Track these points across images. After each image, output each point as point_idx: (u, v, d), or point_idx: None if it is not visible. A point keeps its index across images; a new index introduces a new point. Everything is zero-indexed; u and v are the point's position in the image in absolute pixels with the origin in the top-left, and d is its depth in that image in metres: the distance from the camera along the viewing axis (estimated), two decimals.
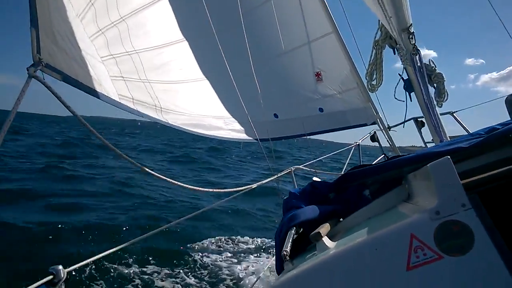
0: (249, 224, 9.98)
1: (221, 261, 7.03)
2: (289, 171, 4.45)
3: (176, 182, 2.84)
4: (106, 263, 6.21)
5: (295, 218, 2.03)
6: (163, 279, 6.24)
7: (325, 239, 1.70)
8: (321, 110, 6.39)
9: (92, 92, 2.59)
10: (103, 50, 3.41)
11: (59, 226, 7.99)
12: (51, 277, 1.68)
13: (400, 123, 5.93)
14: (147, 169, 2.63)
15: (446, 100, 4.36)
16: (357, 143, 6.63)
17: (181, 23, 4.74)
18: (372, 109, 6.28)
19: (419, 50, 3.79)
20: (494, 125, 2.17)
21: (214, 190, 3.74)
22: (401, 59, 4.00)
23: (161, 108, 3.96)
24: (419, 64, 3.86)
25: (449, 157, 1.36)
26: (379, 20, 4.25)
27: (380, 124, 6.23)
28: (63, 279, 1.69)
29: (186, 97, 4.69)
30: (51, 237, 7.37)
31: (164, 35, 4.53)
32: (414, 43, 3.78)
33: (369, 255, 1.37)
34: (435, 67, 4.20)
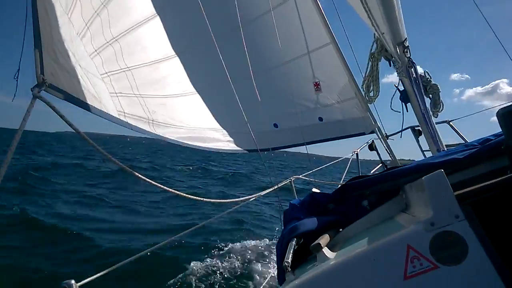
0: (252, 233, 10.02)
1: (222, 271, 7.04)
2: (289, 181, 4.50)
3: (173, 191, 2.87)
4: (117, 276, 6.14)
5: (296, 229, 2.09)
6: None
7: (325, 250, 1.76)
8: (320, 119, 6.46)
9: (93, 109, 2.63)
10: (101, 68, 3.47)
11: None
12: None
13: (398, 132, 6.00)
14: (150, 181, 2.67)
15: (442, 110, 4.44)
16: (356, 152, 6.69)
17: (177, 38, 4.78)
18: (370, 118, 6.37)
19: (414, 63, 3.87)
20: (487, 136, 2.25)
21: (215, 200, 3.77)
22: (396, 71, 4.08)
23: (159, 123, 4.00)
24: (414, 75, 3.94)
25: (442, 170, 1.42)
26: (374, 33, 4.34)
27: (378, 133, 6.31)
28: None
29: (184, 111, 4.73)
30: None
31: (160, 50, 4.57)
32: (409, 56, 3.86)
33: (367, 266, 1.43)
34: (431, 78, 4.28)
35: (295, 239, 2.05)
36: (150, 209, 12.75)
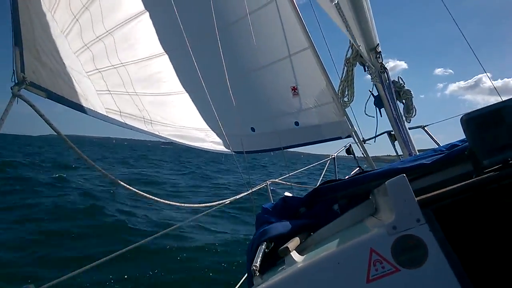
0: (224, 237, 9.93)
1: (194, 277, 6.96)
2: (265, 185, 4.52)
3: (147, 195, 2.84)
4: (77, 283, 5.98)
5: (266, 233, 2.09)
6: None
7: (293, 253, 1.77)
8: (296, 124, 6.50)
9: (78, 107, 2.60)
10: (88, 65, 3.44)
11: None
12: None
13: (374, 137, 6.08)
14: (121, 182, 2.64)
15: (414, 115, 4.53)
16: (333, 156, 6.75)
17: (164, 36, 4.78)
18: (347, 122, 6.44)
19: (386, 69, 3.95)
20: (455, 142, 2.31)
21: (188, 205, 3.71)
22: (370, 76, 4.15)
23: (150, 120, 4.00)
24: (387, 81, 4.02)
25: (404, 175, 1.45)
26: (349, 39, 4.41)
27: (355, 138, 6.38)
28: None
29: (171, 110, 4.74)
30: None
31: (148, 48, 4.58)
32: (381, 62, 3.94)
33: (332, 269, 1.45)
34: (404, 84, 4.37)
35: (265, 243, 2.05)
36: None
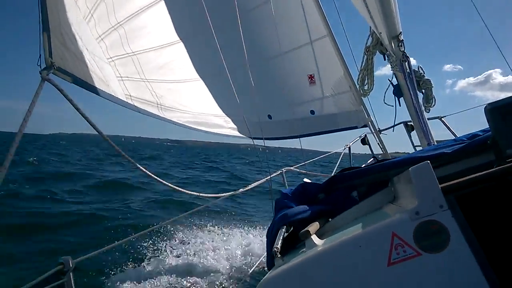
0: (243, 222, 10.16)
1: (214, 258, 7.14)
2: (281, 172, 4.55)
3: (173, 186, 2.93)
4: (112, 256, 6.73)
5: (286, 217, 2.13)
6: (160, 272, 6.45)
7: (314, 237, 1.80)
8: (312, 112, 6.48)
9: (101, 93, 2.64)
10: (108, 52, 3.47)
11: None
12: (61, 266, 1.82)
13: (391, 127, 6.04)
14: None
15: (433, 105, 4.49)
16: (348, 146, 6.73)
17: (180, 24, 4.79)
18: (364, 112, 6.40)
19: (408, 57, 3.90)
20: (476, 132, 2.30)
21: (211, 195, 3.79)
22: (391, 65, 4.11)
23: (168, 107, 4.04)
24: (408, 70, 3.98)
25: (428, 161, 1.46)
26: (370, 27, 4.36)
27: (371, 127, 6.35)
28: (72, 269, 1.82)
29: (188, 96, 4.77)
30: None
31: (164, 35, 4.59)
32: (404, 50, 3.89)
33: (353, 252, 1.48)
34: (424, 73, 4.32)
35: (285, 226, 2.09)
36: None
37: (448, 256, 1.36)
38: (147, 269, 6.57)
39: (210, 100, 5.22)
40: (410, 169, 1.51)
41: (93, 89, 2.52)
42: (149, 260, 6.94)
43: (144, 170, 2.68)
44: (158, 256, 7.15)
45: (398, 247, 1.41)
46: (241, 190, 3.67)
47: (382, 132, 6.36)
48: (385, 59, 4.38)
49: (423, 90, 4.36)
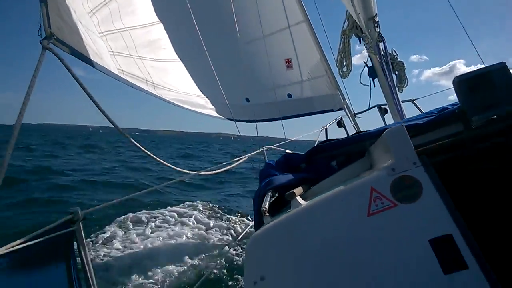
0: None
1: (207, 228, 7.54)
2: (261, 151, 4.68)
3: (161, 161, 3.03)
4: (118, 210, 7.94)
5: (271, 182, 2.26)
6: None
7: (298, 198, 1.94)
8: (289, 96, 6.63)
9: (96, 65, 2.68)
10: (99, 27, 3.49)
11: None
12: (71, 216, 1.93)
13: (365, 110, 6.24)
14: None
15: (406, 86, 4.70)
16: (325, 128, 6.91)
17: (166, 3, 4.82)
18: (339, 95, 6.59)
19: (383, 38, 4.07)
20: (445, 106, 2.48)
21: (199, 172, 3.86)
22: (366, 48, 4.27)
23: (153, 83, 4.08)
24: (383, 51, 4.14)
25: (403, 124, 1.62)
26: (346, 11, 4.51)
27: (346, 111, 6.55)
28: (81, 219, 1.95)
29: (172, 76, 4.81)
30: None
31: (150, 14, 4.61)
32: (379, 31, 4.06)
33: (336, 205, 1.63)
34: (397, 55, 4.52)
35: (270, 192, 2.22)
36: None
37: (422, 206, 1.52)
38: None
39: (191, 81, 5.27)
40: (385, 132, 1.66)
41: (88, 61, 2.56)
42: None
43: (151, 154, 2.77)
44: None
45: (377, 200, 1.56)
46: (227, 167, 3.77)
47: (357, 116, 6.58)
48: (360, 42, 4.55)
49: (396, 72, 4.56)
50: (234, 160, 4.09)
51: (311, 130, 6.97)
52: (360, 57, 6.12)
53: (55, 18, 2.09)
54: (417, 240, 1.50)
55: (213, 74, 4.36)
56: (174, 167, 3.02)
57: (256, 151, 4.62)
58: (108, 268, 5.26)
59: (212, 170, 3.76)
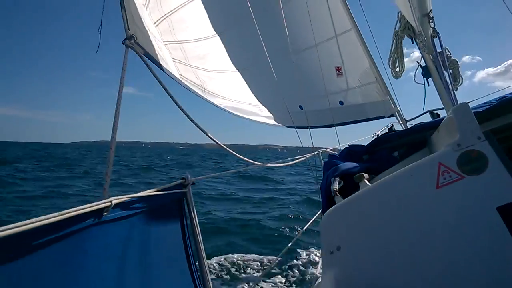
0: None
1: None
2: (316, 153, 4.82)
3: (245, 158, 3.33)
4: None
5: (337, 169, 2.39)
6: None
7: (366, 181, 2.07)
8: (341, 103, 6.74)
9: (165, 69, 2.95)
10: (162, 36, 3.79)
11: None
12: (183, 180, 2.29)
13: (418, 116, 6.20)
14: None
15: (461, 84, 4.68)
16: (376, 134, 6.94)
17: (216, 17, 5.07)
18: (390, 102, 6.62)
19: (438, 33, 4.08)
20: (505, 94, 2.52)
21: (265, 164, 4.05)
22: (419, 48, 4.32)
23: (208, 91, 4.32)
24: (439, 48, 4.15)
25: (466, 102, 1.72)
26: (398, 12, 4.60)
27: (398, 117, 6.55)
28: (191, 183, 2.30)
29: (225, 85, 5.03)
30: None
31: (201, 30, 4.89)
32: (434, 27, 4.08)
33: (406, 180, 1.74)
34: (450, 54, 4.53)
35: (337, 178, 2.36)
36: None
37: (488, 177, 1.61)
38: None
39: (244, 90, 5.49)
40: (451, 109, 1.77)
41: (158, 64, 2.82)
42: None
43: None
44: None
45: (444, 173, 1.66)
46: (289, 163, 3.99)
47: (408, 122, 6.55)
48: (413, 43, 4.61)
49: (451, 70, 4.55)
50: (295, 158, 4.26)
51: (361, 137, 6.99)
52: (407, 60, 6.13)
53: (132, 22, 2.37)
54: (485, 208, 1.59)
55: (267, 82, 4.55)
56: (248, 159, 3.31)
57: (312, 153, 4.77)
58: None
59: (278, 163, 4.00)
